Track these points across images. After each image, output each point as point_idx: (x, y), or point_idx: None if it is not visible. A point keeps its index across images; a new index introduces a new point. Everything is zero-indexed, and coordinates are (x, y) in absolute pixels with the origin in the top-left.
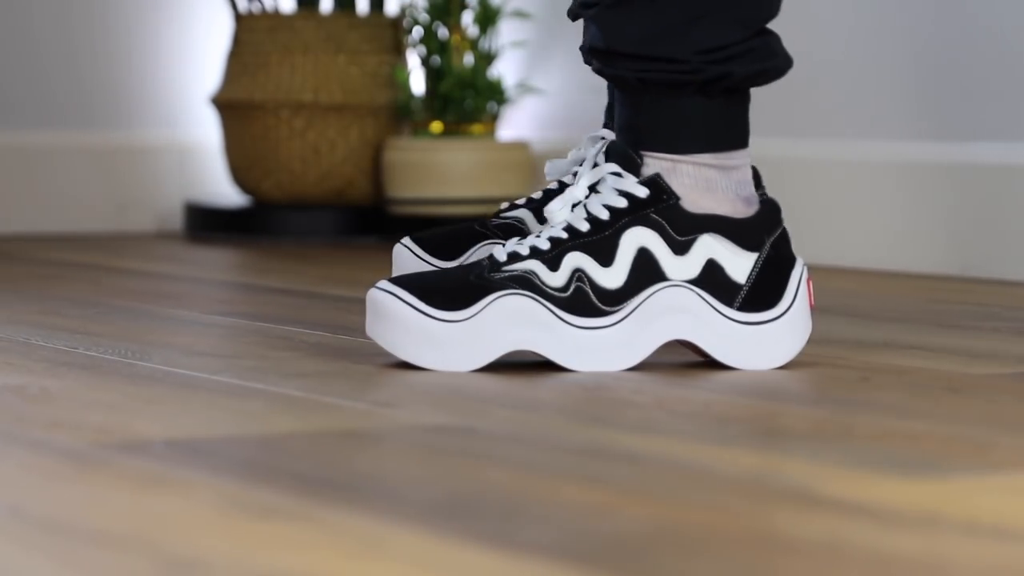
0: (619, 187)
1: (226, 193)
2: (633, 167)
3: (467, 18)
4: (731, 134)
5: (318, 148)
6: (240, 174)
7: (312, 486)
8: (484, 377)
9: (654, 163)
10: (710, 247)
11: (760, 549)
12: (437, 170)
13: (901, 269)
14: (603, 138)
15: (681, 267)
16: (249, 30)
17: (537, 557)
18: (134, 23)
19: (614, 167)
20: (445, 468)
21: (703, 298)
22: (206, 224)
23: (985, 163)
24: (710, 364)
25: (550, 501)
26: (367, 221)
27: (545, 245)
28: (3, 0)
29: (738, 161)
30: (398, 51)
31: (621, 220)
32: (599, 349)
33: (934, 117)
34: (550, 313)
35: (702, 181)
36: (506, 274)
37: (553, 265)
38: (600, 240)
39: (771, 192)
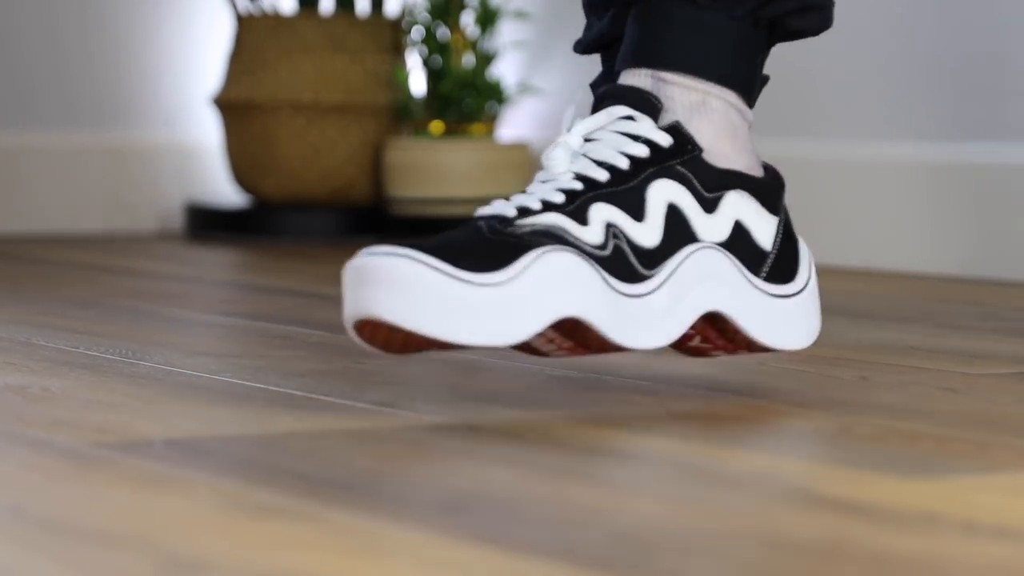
0: (635, 132)
1: (226, 193)
2: (650, 109)
3: (467, 18)
4: (756, 84)
5: (318, 148)
6: (240, 174)
7: (312, 486)
8: (484, 377)
9: (681, 94)
10: (737, 207)
11: (760, 549)
12: (437, 170)
13: (901, 269)
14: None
15: (711, 227)
16: (250, 30)
17: (537, 557)
18: (134, 23)
19: (625, 110)
20: (445, 468)
21: (735, 264)
22: (206, 224)
23: (985, 163)
24: (710, 364)
25: (550, 501)
26: (367, 221)
27: (559, 198)
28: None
29: (751, 118)
30: (398, 51)
31: (645, 171)
32: (643, 320)
33: (934, 117)
34: (599, 275)
35: (728, 124)
36: (527, 228)
37: (579, 218)
38: (626, 192)
39: None
